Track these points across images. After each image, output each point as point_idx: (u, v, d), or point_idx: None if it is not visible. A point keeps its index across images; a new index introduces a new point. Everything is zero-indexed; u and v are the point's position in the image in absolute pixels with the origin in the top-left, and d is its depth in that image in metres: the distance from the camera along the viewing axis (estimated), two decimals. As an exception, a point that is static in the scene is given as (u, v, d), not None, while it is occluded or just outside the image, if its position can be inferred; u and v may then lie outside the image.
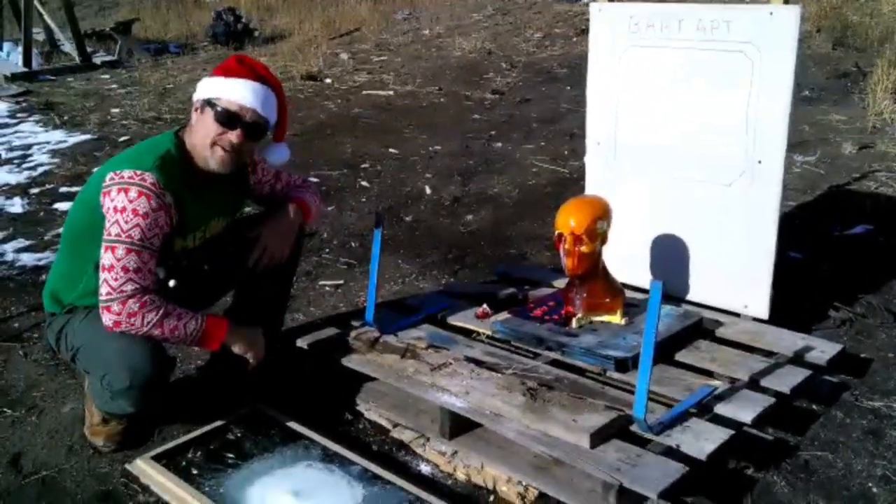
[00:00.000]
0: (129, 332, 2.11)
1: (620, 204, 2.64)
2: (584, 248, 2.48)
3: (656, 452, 2.00)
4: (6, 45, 9.71)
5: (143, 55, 9.73)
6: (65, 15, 9.49)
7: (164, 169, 2.17)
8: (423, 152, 5.59)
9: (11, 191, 4.97)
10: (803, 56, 6.82)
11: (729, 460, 2.20)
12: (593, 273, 2.57)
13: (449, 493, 2.15)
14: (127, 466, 2.28)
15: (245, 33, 10.36)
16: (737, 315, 2.76)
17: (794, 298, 2.99)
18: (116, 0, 14.22)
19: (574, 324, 2.58)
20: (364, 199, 4.68)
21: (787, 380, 2.34)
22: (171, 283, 2.33)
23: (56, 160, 5.63)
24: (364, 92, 7.58)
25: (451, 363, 2.43)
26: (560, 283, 2.95)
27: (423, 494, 2.08)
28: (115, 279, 2.08)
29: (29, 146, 6.03)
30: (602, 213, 2.52)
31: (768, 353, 2.52)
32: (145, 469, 2.23)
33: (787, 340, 2.58)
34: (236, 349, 2.31)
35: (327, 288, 3.49)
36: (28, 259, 3.89)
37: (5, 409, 2.62)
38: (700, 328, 2.67)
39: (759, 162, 2.62)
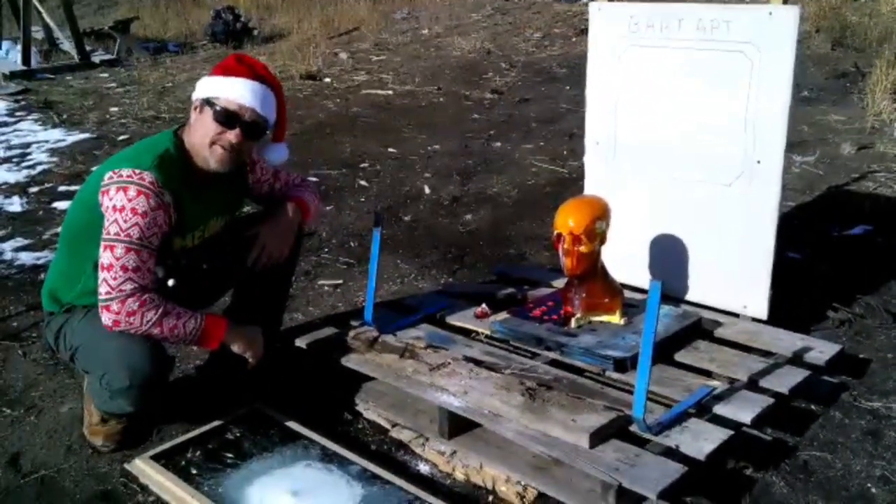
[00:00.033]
0: (128, 331, 2.10)
1: (619, 204, 2.64)
2: (582, 248, 2.48)
3: (655, 452, 2.00)
4: (5, 44, 9.70)
5: (141, 54, 9.72)
6: (64, 13, 9.49)
7: (163, 168, 2.17)
8: (422, 152, 5.59)
9: (10, 189, 4.97)
10: (802, 56, 6.82)
11: (728, 460, 2.20)
12: (592, 273, 2.57)
13: (448, 493, 2.15)
14: (126, 466, 2.28)
15: (244, 32, 10.36)
16: (736, 315, 2.76)
17: (792, 299, 3.00)
18: (115, -1, 14.23)
19: (573, 324, 2.58)
20: (363, 199, 4.68)
21: (785, 380, 2.34)
22: (170, 282, 2.33)
23: (55, 159, 5.63)
24: (363, 91, 7.58)
25: (449, 363, 2.43)
26: (559, 283, 2.95)
27: (422, 494, 2.08)
28: (115, 278, 2.08)
29: (28, 145, 6.02)
30: (601, 213, 2.52)
31: (767, 354, 2.52)
32: (144, 469, 2.23)
33: (785, 341, 2.58)
34: (235, 348, 2.30)
35: (326, 287, 3.49)
36: (27, 258, 3.89)
37: (4, 409, 2.62)
38: (699, 328, 2.67)
39: (758, 162, 2.62)
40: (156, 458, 2.26)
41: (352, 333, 2.64)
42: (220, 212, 2.42)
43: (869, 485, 2.16)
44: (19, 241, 4.11)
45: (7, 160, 5.63)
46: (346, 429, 2.47)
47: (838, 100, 6.43)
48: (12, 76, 8.56)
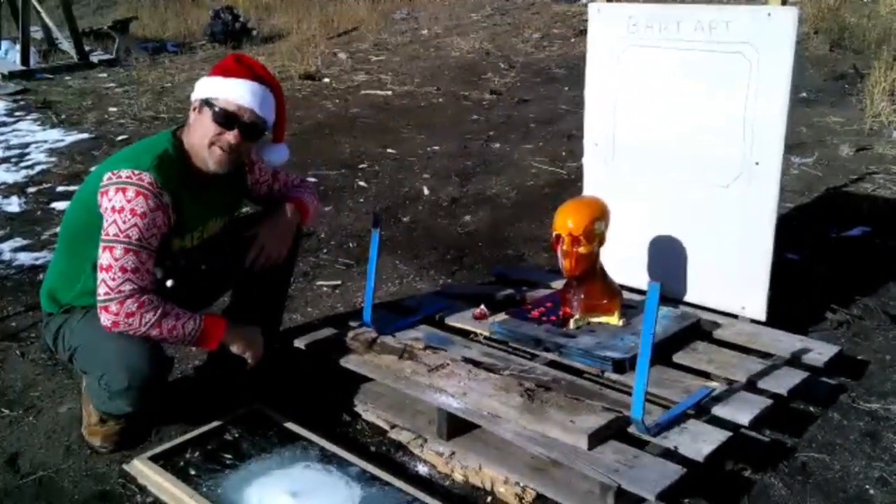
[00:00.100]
0: (127, 332, 2.10)
1: (618, 205, 2.64)
2: (581, 250, 2.48)
3: (654, 454, 2.00)
4: (4, 44, 9.69)
5: (140, 54, 9.71)
6: (62, 13, 9.48)
7: (162, 168, 2.17)
8: (421, 152, 5.59)
9: (9, 190, 4.97)
10: (801, 58, 6.83)
11: (726, 462, 2.20)
12: (591, 274, 2.57)
13: (447, 494, 2.15)
14: (124, 467, 2.28)
15: (243, 32, 10.36)
16: (734, 316, 2.77)
17: (791, 300, 3.00)
18: (114, -2, 14.22)
19: (572, 325, 2.58)
20: (362, 200, 4.67)
21: (784, 381, 2.34)
22: (169, 283, 2.33)
23: (53, 159, 5.63)
24: (362, 92, 7.58)
25: (448, 364, 2.43)
26: (558, 284, 2.95)
27: (421, 495, 2.08)
28: (113, 279, 2.08)
29: (26, 145, 6.02)
30: (600, 215, 2.52)
31: (765, 355, 2.52)
32: (143, 469, 2.23)
33: (784, 342, 2.58)
34: (234, 349, 2.30)
35: (325, 288, 3.49)
36: (25, 258, 3.88)
37: (2, 410, 2.62)
38: (697, 330, 2.67)
39: (757, 163, 2.62)
40: (154, 458, 2.25)
41: (350, 334, 2.64)
42: (218, 213, 2.42)
43: (867, 486, 2.17)
44: (18, 242, 4.10)
45: (6, 160, 5.62)
46: (344, 430, 2.46)
47: (837, 101, 6.44)
48: (11, 76, 8.56)
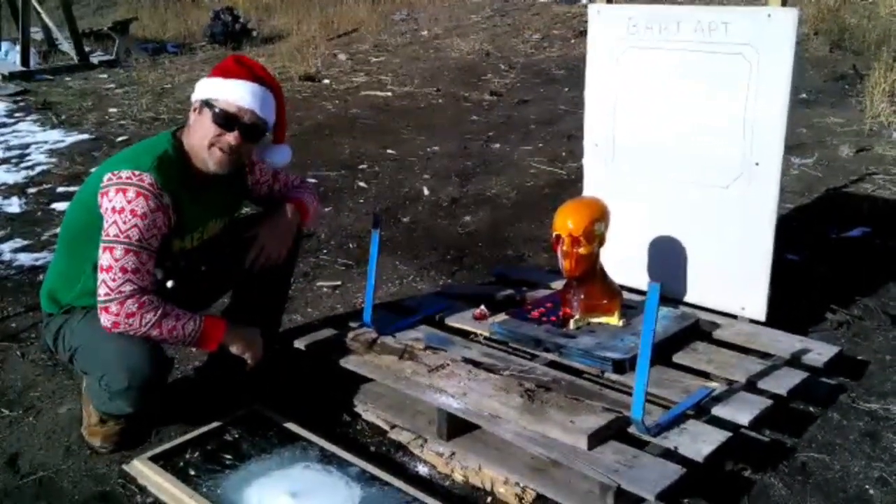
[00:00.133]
0: (127, 332, 2.10)
1: (618, 206, 2.64)
2: (581, 250, 2.49)
3: (654, 454, 2.01)
4: (4, 45, 9.70)
5: (140, 55, 9.72)
6: (63, 14, 9.48)
7: (162, 169, 2.17)
8: (420, 153, 5.59)
9: (9, 190, 4.97)
10: (801, 59, 6.84)
11: (726, 462, 2.20)
12: (591, 275, 2.57)
13: (446, 495, 2.15)
14: (124, 467, 2.28)
15: (243, 33, 10.36)
16: (734, 317, 2.77)
17: (791, 300, 3.00)
18: (114, -1, 14.23)
19: (572, 325, 2.58)
20: (362, 200, 4.68)
21: (784, 382, 2.34)
22: (169, 283, 2.33)
23: (53, 160, 5.63)
24: (362, 93, 7.59)
25: (448, 364, 2.43)
26: (558, 284, 2.95)
27: (421, 495, 2.08)
28: (114, 280, 2.08)
29: (26, 146, 6.02)
30: (600, 215, 2.52)
31: (765, 355, 2.52)
32: (143, 470, 2.23)
33: (784, 342, 2.59)
34: (234, 350, 2.30)
35: (325, 289, 3.49)
36: (25, 259, 3.89)
37: (2, 410, 2.62)
38: (697, 330, 2.68)
39: (757, 164, 2.62)
40: (154, 459, 2.25)
41: (351, 335, 2.64)
42: (219, 213, 2.42)
43: (867, 486, 2.17)
44: (18, 242, 4.11)
45: (6, 161, 5.63)
46: (344, 430, 2.47)
47: (837, 102, 6.44)
48: (11, 77, 8.56)
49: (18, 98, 7.72)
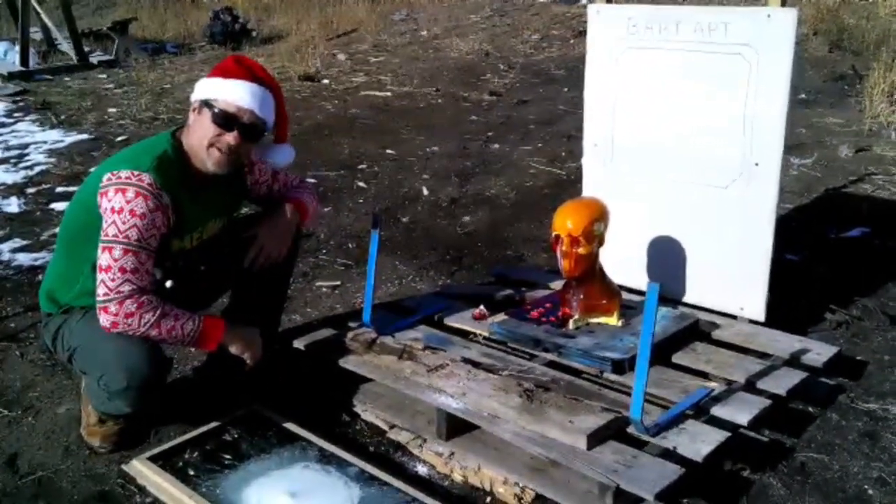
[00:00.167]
0: (126, 332, 2.10)
1: (617, 206, 2.64)
2: (581, 250, 2.49)
3: (653, 454, 2.01)
4: (3, 45, 9.70)
5: (140, 55, 9.72)
6: (62, 14, 9.48)
7: (162, 169, 2.17)
8: (420, 153, 5.59)
9: (8, 190, 4.97)
10: (800, 59, 6.84)
11: (725, 462, 2.20)
12: (590, 275, 2.57)
13: (446, 495, 2.15)
14: (123, 467, 2.28)
15: (242, 33, 10.36)
16: (733, 317, 2.77)
17: (790, 300, 3.00)
18: (114, -1, 14.23)
19: (571, 325, 2.58)
20: (361, 200, 4.68)
21: (783, 382, 2.34)
22: (168, 283, 2.33)
23: (53, 160, 5.63)
24: (361, 93, 7.59)
25: (447, 364, 2.43)
26: (557, 284, 2.95)
27: (420, 495, 2.08)
28: (113, 280, 2.08)
29: (26, 145, 6.02)
30: (599, 215, 2.52)
31: (764, 355, 2.52)
32: (142, 470, 2.23)
33: (783, 342, 2.59)
34: (233, 350, 2.30)
35: (324, 289, 3.49)
36: (24, 259, 3.88)
37: (1, 410, 2.62)
38: (696, 330, 2.68)
39: (756, 164, 2.63)
40: (153, 459, 2.25)
41: (350, 335, 2.64)
42: (218, 213, 2.42)
43: (866, 486, 2.17)
44: (17, 242, 4.10)
45: (5, 161, 5.62)
46: (343, 430, 2.46)
47: (836, 102, 6.45)
48: (10, 77, 8.56)
49: (18, 98, 7.72)
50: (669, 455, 2.00)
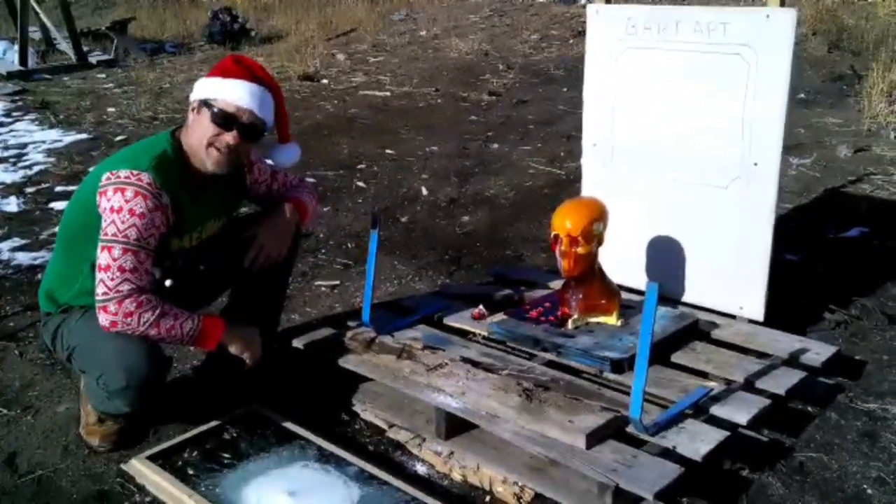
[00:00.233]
0: (125, 331, 2.10)
1: (617, 206, 2.64)
2: (580, 250, 2.49)
3: (652, 453, 2.01)
4: (2, 44, 9.69)
5: (139, 54, 9.71)
6: (61, 14, 9.47)
7: (161, 169, 2.17)
8: (419, 153, 5.59)
9: (7, 190, 4.96)
10: (799, 59, 6.85)
11: (724, 461, 2.21)
12: (589, 274, 2.57)
13: (445, 494, 2.15)
14: (123, 466, 2.28)
15: (241, 33, 10.36)
16: (732, 317, 2.77)
17: (789, 300, 3.00)
18: (113, -1, 14.22)
19: (570, 325, 2.59)
20: (360, 200, 4.68)
21: (782, 381, 2.34)
22: (168, 283, 2.33)
23: (52, 159, 5.62)
24: (361, 92, 7.59)
25: (447, 364, 2.43)
26: (556, 284, 2.95)
27: (419, 495, 2.08)
28: (112, 279, 2.08)
29: (24, 145, 6.02)
30: (598, 215, 2.52)
31: (763, 355, 2.52)
32: (141, 469, 2.23)
33: (782, 342, 2.59)
34: (233, 349, 2.30)
35: (323, 288, 3.49)
36: (23, 258, 3.88)
37: (1, 409, 2.62)
38: (695, 330, 2.68)
39: (755, 164, 2.63)
40: (153, 458, 2.25)
41: (349, 334, 2.64)
42: (217, 213, 2.42)
43: (865, 486, 2.17)
44: (16, 242, 4.10)
45: (4, 160, 5.62)
46: (343, 429, 2.47)
47: (835, 102, 6.45)
48: (9, 76, 8.55)
49: (16, 97, 7.71)
50: (669, 454, 2.00)
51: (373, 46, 9.85)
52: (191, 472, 2.20)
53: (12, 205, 4.69)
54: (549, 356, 2.51)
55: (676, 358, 2.49)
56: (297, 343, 2.64)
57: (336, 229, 4.19)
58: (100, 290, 2.09)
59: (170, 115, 6.78)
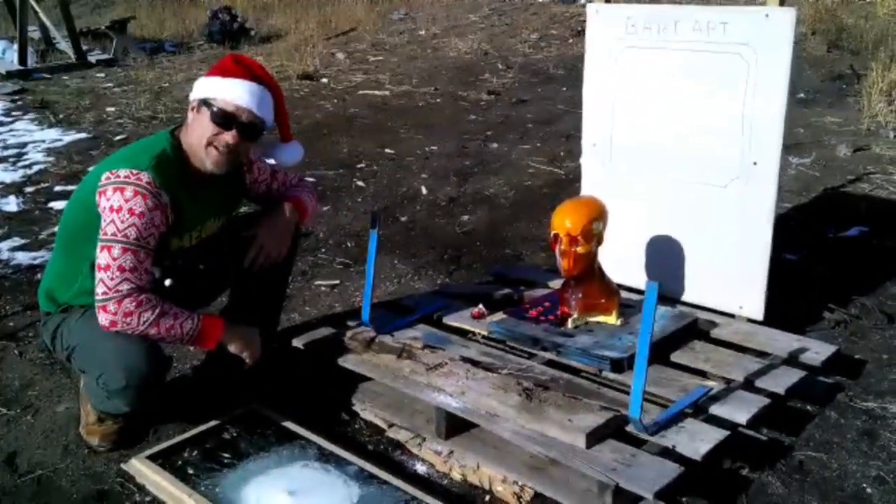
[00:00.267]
0: (125, 331, 2.10)
1: (616, 205, 2.64)
2: (579, 249, 2.49)
3: (652, 453, 2.01)
4: (1, 43, 9.68)
5: (138, 54, 9.71)
6: (60, 13, 9.47)
7: (160, 168, 2.17)
8: (419, 152, 5.59)
9: (6, 189, 4.96)
10: (799, 58, 6.85)
11: (724, 460, 2.21)
12: (589, 274, 2.57)
13: (445, 493, 2.15)
14: (122, 466, 2.28)
15: (241, 32, 10.36)
16: (732, 316, 2.77)
17: (788, 299, 3.01)
18: (112, -2, 14.21)
19: (570, 324, 2.59)
20: (360, 200, 4.68)
21: (781, 380, 2.34)
22: (167, 282, 2.33)
23: (51, 159, 5.62)
24: (360, 92, 7.59)
25: (446, 363, 2.43)
26: (556, 283, 2.95)
27: (419, 494, 2.08)
28: (111, 278, 2.08)
29: (24, 144, 6.01)
30: (598, 214, 2.52)
31: (763, 354, 2.52)
32: (141, 469, 2.23)
33: (781, 341, 2.59)
34: (232, 349, 2.30)
35: (323, 288, 3.49)
36: (23, 258, 3.88)
37: (1, 409, 2.62)
38: (695, 329, 2.68)
39: (755, 163, 2.63)
40: (152, 457, 2.25)
41: (349, 334, 2.64)
42: (217, 212, 2.42)
43: (864, 485, 2.17)
44: (16, 241, 4.10)
45: (3, 160, 5.62)
46: (342, 429, 2.47)
47: (834, 102, 6.45)
48: (8, 76, 8.55)
49: (16, 97, 7.71)
50: (668, 454, 2.00)
51: (372, 46, 9.85)
52: (191, 471, 2.20)
53: (12, 204, 4.69)
54: (548, 355, 2.51)
55: (676, 357, 2.49)
56: (297, 342, 2.64)
57: (336, 229, 4.19)
58: (99, 289, 2.09)
59: (169, 115, 6.78)
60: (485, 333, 2.69)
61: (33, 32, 9.75)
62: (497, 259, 3.76)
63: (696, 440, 2.02)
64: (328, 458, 2.24)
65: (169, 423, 2.45)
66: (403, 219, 4.35)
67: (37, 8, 9.56)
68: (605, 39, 2.93)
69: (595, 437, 2.03)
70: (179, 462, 2.24)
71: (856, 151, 5.17)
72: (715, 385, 2.31)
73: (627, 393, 2.09)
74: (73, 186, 3.60)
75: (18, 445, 2.42)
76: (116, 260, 2.08)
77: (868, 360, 2.77)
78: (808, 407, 2.50)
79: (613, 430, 2.09)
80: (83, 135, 6.26)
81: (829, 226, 3.99)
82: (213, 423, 2.40)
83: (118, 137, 6.11)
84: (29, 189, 4.97)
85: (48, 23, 9.78)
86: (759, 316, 2.71)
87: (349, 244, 3.99)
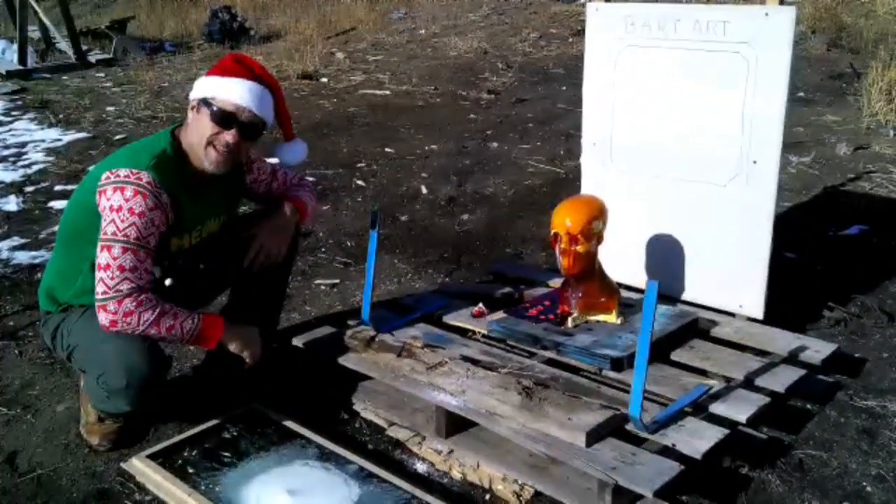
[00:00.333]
0: (125, 331, 2.10)
1: (616, 204, 2.64)
2: (579, 248, 2.49)
3: (652, 451, 2.01)
4: (1, 43, 9.70)
5: (138, 53, 9.71)
6: (60, 13, 9.47)
7: (160, 168, 2.17)
8: (418, 152, 5.59)
9: (6, 189, 4.96)
10: (799, 57, 6.84)
11: (724, 459, 2.21)
12: (589, 273, 2.57)
13: (445, 492, 2.15)
14: (123, 465, 2.28)
15: (241, 32, 10.36)
16: (732, 315, 2.77)
17: (788, 298, 3.00)
18: (112, -2, 14.22)
19: (570, 323, 2.59)
20: (360, 199, 4.68)
21: (781, 379, 2.35)
22: (168, 282, 2.33)
23: (51, 158, 5.62)
24: (360, 91, 7.59)
25: (446, 362, 2.43)
26: (556, 282, 2.95)
27: (419, 493, 2.08)
28: (112, 278, 2.08)
29: (24, 144, 6.02)
30: (598, 213, 2.52)
31: (763, 353, 2.53)
32: (141, 468, 2.23)
33: (781, 340, 2.59)
34: (233, 348, 2.30)
35: (323, 287, 3.49)
36: (23, 257, 3.88)
37: (1, 408, 2.62)
38: (695, 328, 2.68)
39: (755, 162, 2.63)
40: (153, 457, 2.26)
41: (349, 333, 2.64)
42: (217, 212, 2.42)
43: (864, 483, 2.17)
44: (16, 241, 4.10)
45: (3, 160, 5.62)
46: (343, 428, 2.47)
47: (834, 100, 6.45)
48: (8, 76, 8.55)
49: (16, 96, 7.72)
50: (668, 452, 2.01)
51: (372, 45, 9.85)
52: (191, 470, 2.20)
53: (12, 204, 4.69)
54: (548, 354, 2.51)
55: (676, 356, 2.49)
56: (297, 342, 2.64)
57: (336, 228, 4.19)
58: (99, 289, 2.09)
59: (169, 114, 6.78)
60: (485, 332, 2.69)
61: (33, 32, 9.75)
62: (497, 258, 3.76)
63: (696, 438, 2.02)
64: (328, 457, 2.24)
65: (169, 423, 2.45)
66: (403, 218, 4.35)
67: (37, 8, 9.56)
68: (605, 38, 2.93)
69: (595, 435, 2.03)
70: (179, 461, 2.24)
71: (856, 150, 5.17)
72: (715, 383, 2.32)
73: (627, 391, 2.09)
74: (73, 186, 3.61)
75: (18, 445, 2.43)
76: (116, 259, 2.08)
77: (868, 359, 2.77)
78: (808, 405, 2.51)
79: (613, 428, 2.09)
80: (83, 134, 6.26)
81: (829, 224, 3.99)
82: (213, 422, 2.41)
83: (118, 137, 6.11)
84: (29, 189, 4.98)
85: (48, 22, 9.79)
86: (760, 314, 2.71)
87: (349, 243, 3.99)
